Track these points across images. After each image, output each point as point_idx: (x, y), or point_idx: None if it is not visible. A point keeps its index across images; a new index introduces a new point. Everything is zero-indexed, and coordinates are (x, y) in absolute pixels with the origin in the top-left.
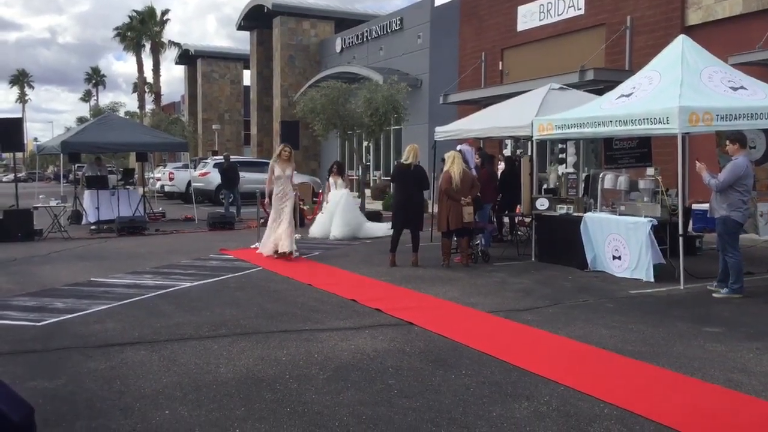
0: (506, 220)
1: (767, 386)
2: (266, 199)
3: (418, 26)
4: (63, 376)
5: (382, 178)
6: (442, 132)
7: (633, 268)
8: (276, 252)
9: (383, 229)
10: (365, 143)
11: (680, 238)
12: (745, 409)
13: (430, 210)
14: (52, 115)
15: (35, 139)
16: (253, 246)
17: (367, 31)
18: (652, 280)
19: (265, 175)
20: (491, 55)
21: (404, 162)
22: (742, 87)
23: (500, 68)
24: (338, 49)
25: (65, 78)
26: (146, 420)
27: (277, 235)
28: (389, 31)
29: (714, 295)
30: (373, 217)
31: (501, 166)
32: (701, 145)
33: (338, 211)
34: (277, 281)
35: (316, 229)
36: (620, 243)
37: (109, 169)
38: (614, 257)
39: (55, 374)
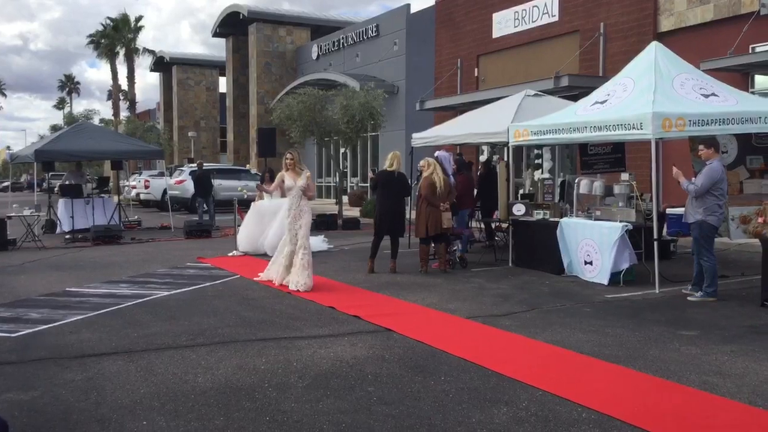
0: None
1: (742, 388)
2: (264, 189)
3: (394, 33)
4: (39, 387)
5: (360, 184)
6: (419, 138)
7: (604, 273)
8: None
9: (319, 244)
10: (342, 150)
11: (655, 243)
12: (720, 411)
13: (407, 216)
14: (25, 123)
15: (8, 148)
16: (231, 254)
17: (343, 37)
18: (610, 284)
19: (241, 183)
20: (467, 61)
21: (388, 169)
22: (713, 94)
23: (476, 75)
24: (314, 56)
25: (38, 85)
26: (124, 431)
27: (291, 268)
28: (365, 37)
29: (689, 298)
30: (352, 224)
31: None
32: (675, 151)
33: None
34: (254, 289)
35: (245, 243)
36: (592, 248)
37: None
38: (586, 262)
39: (31, 386)
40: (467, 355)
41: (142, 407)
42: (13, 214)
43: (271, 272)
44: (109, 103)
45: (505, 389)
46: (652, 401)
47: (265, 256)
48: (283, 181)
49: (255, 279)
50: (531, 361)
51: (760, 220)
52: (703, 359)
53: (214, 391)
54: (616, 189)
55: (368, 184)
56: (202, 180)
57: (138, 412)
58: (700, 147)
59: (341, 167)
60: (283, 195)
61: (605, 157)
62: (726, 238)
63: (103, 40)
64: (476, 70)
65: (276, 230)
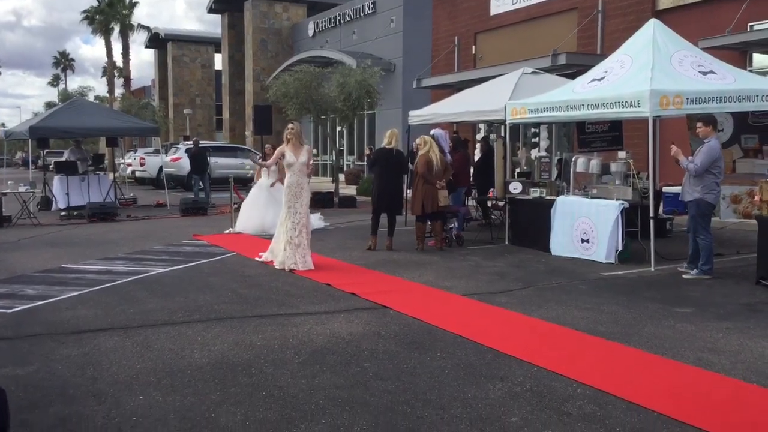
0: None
1: (737, 365)
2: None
3: (391, 10)
4: (35, 362)
5: (356, 163)
6: (416, 116)
7: (601, 250)
8: (290, 268)
9: (315, 222)
10: (339, 128)
11: (651, 221)
12: (715, 387)
13: (404, 194)
14: (20, 100)
15: (2, 125)
16: (227, 231)
17: (339, 14)
18: (613, 261)
19: (237, 161)
20: (464, 39)
21: (386, 146)
22: (711, 71)
23: (473, 52)
24: (311, 33)
25: (32, 62)
26: (120, 406)
27: (287, 248)
28: (362, 14)
29: (684, 276)
30: (349, 202)
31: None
32: (672, 129)
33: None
34: (251, 266)
35: (249, 224)
36: (589, 226)
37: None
38: (582, 240)
39: (27, 361)
40: (463, 332)
41: (138, 382)
42: (8, 191)
43: (278, 255)
44: (104, 80)
45: (501, 365)
46: (646, 377)
47: (263, 234)
48: (283, 156)
49: (257, 259)
50: (526, 337)
51: (756, 198)
52: (698, 336)
53: (211, 366)
54: (613, 167)
55: (365, 162)
56: (197, 157)
57: (134, 387)
58: (698, 124)
59: (338, 145)
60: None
61: (602, 135)
62: (716, 217)
63: (97, 16)
64: (473, 47)
65: (276, 209)
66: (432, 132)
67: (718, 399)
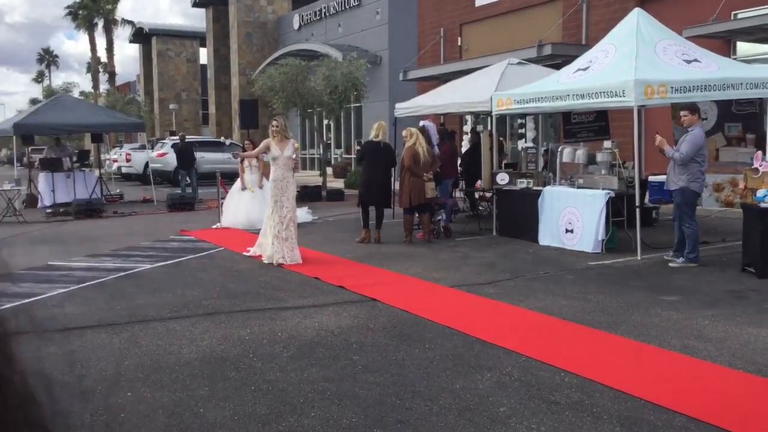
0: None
1: (722, 351)
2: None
3: (377, 2)
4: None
5: (344, 156)
6: (403, 108)
7: (587, 240)
8: (279, 263)
9: (303, 215)
10: (325, 121)
11: (637, 210)
12: (701, 374)
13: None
14: (4, 97)
15: None
16: (215, 226)
17: (325, 7)
18: (600, 251)
19: (224, 155)
20: (450, 30)
21: (373, 139)
22: (695, 60)
23: (459, 44)
24: (296, 26)
25: (15, 59)
26: (108, 402)
27: (277, 242)
28: (347, 7)
29: (670, 264)
30: (336, 195)
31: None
32: (657, 118)
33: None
34: (239, 261)
35: (236, 219)
36: (574, 216)
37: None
38: (567, 230)
39: None
40: (451, 323)
41: (126, 379)
42: None
43: (266, 249)
44: (89, 75)
45: (489, 356)
46: (634, 365)
47: (251, 229)
48: (268, 149)
49: (245, 254)
50: (514, 327)
51: (741, 186)
52: (684, 324)
53: (199, 362)
54: (599, 157)
55: (354, 156)
56: (184, 153)
57: (122, 384)
58: (683, 113)
59: (325, 138)
60: (265, 167)
61: (588, 125)
62: (699, 205)
63: (81, 12)
64: (459, 39)
65: (261, 204)
66: (421, 123)
67: (705, 386)
